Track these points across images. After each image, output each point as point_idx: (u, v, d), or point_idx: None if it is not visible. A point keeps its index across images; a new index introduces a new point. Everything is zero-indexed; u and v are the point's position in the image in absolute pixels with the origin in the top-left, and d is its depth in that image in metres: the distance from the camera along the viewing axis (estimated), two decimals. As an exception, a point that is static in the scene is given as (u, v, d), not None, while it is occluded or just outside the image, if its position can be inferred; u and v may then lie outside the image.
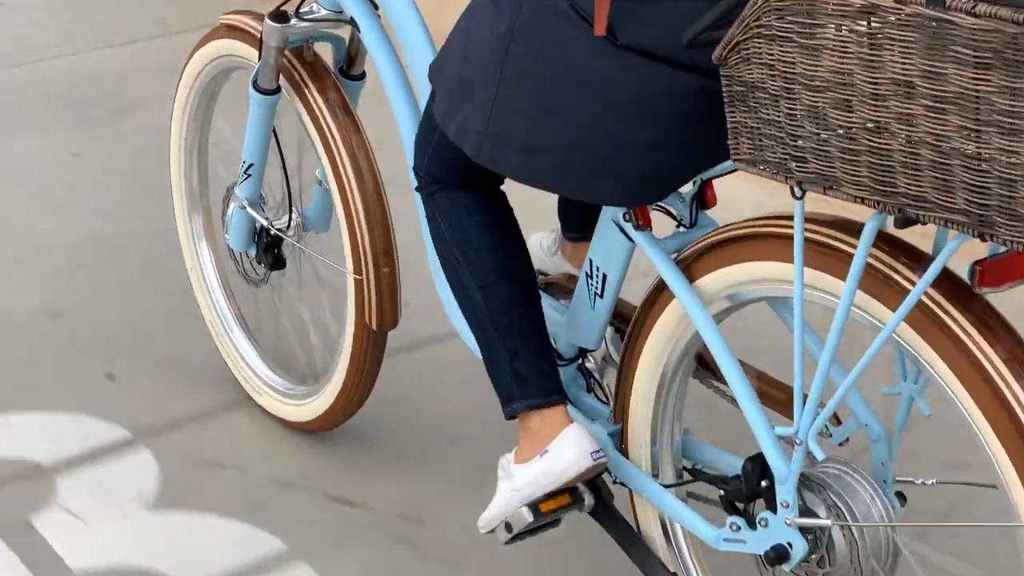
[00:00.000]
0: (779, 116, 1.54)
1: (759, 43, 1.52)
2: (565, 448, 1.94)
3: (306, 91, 2.45)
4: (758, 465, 1.79)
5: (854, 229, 1.64)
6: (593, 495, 2.01)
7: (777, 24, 1.49)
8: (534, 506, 1.97)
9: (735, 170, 1.82)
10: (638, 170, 1.77)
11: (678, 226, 1.98)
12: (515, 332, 1.99)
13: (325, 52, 2.54)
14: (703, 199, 1.95)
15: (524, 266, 2.05)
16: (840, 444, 1.84)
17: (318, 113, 2.43)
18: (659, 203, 1.97)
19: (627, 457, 2.02)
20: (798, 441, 1.70)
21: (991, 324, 1.55)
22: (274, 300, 2.82)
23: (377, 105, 2.46)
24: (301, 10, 2.41)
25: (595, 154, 1.77)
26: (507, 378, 2.00)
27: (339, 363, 2.54)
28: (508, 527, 2.01)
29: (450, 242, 2.04)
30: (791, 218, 1.67)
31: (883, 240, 1.61)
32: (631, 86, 1.71)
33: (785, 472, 1.73)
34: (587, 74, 1.73)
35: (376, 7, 2.34)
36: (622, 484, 2.04)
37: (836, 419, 1.83)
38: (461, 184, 2.02)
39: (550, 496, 1.97)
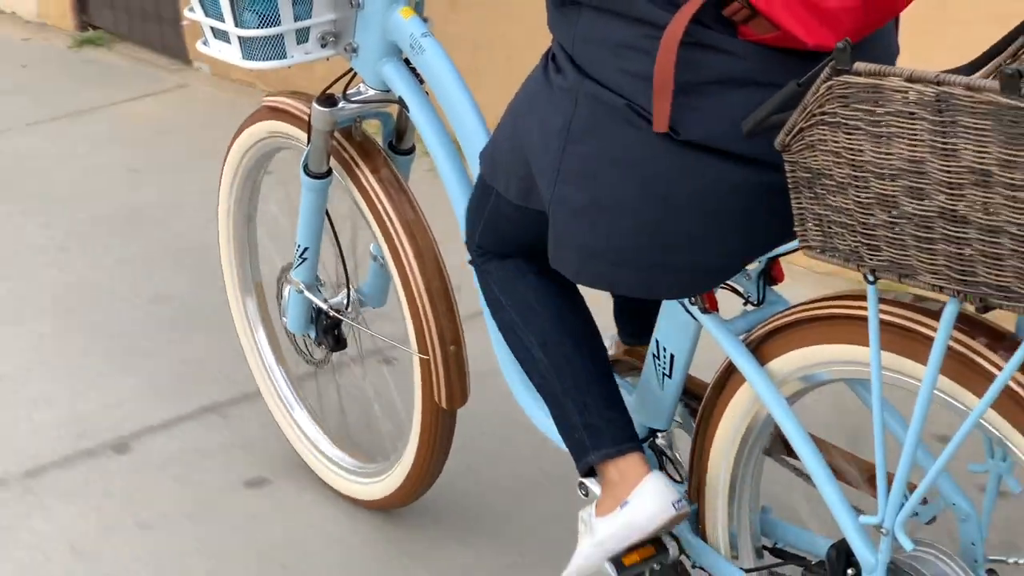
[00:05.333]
0: (848, 203, 1.49)
1: (823, 130, 1.48)
2: (646, 499, 1.89)
3: (358, 171, 2.42)
4: (843, 552, 1.74)
5: (932, 311, 1.58)
6: (676, 545, 1.97)
7: (842, 111, 1.44)
8: (617, 560, 1.92)
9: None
10: (698, 264, 1.73)
11: (745, 304, 1.92)
12: (581, 384, 1.95)
13: (374, 128, 2.52)
14: (770, 276, 1.89)
15: (584, 318, 2.02)
16: (927, 523, 1.78)
17: (371, 193, 2.40)
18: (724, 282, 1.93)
19: (704, 539, 1.97)
20: (884, 531, 1.64)
21: (1082, 407, 1.50)
22: (337, 379, 2.79)
23: (431, 177, 2.43)
24: (348, 92, 2.38)
25: (653, 252, 1.72)
26: (578, 432, 1.96)
27: (410, 441, 2.50)
28: None
29: (506, 306, 2.02)
30: (864, 298, 1.63)
31: (964, 321, 1.56)
32: (692, 183, 1.66)
33: (872, 562, 1.67)
34: (646, 173, 1.68)
35: (422, 82, 2.31)
36: (701, 568, 1.99)
37: (923, 498, 1.78)
38: (514, 254, 2.00)
39: (632, 548, 1.92)
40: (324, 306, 2.56)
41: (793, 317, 1.76)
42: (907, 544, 1.63)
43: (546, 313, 1.99)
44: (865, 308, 1.61)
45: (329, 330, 2.60)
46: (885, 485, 1.64)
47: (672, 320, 1.93)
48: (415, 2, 2.33)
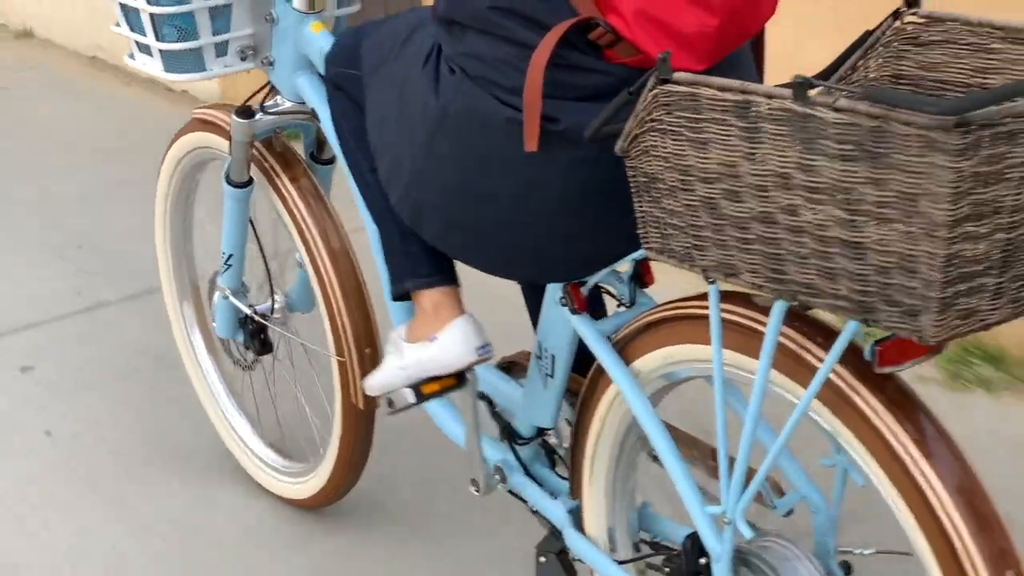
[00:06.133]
0: (679, 206, 1.57)
1: (654, 136, 1.56)
2: (454, 340, 2.03)
3: (278, 181, 2.51)
4: (696, 543, 1.81)
5: (768, 309, 1.66)
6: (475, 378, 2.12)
7: (667, 119, 1.52)
8: (416, 388, 2.09)
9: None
10: (554, 255, 1.81)
11: (619, 305, 2.00)
12: None
13: (296, 140, 2.61)
14: (640, 278, 1.97)
15: None
16: (785, 515, 1.85)
17: (290, 202, 2.49)
18: (600, 284, 2.01)
19: (584, 533, 2.05)
20: (726, 520, 1.71)
21: (900, 402, 1.57)
22: (268, 382, 2.87)
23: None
24: (266, 104, 2.47)
25: (511, 239, 1.81)
26: (399, 257, 2.09)
27: (331, 442, 2.59)
28: (390, 403, 2.13)
29: (345, 129, 2.13)
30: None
31: (796, 318, 1.64)
32: (555, 181, 1.74)
33: (719, 551, 1.75)
34: (511, 172, 1.75)
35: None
36: (580, 561, 2.06)
37: (779, 491, 1.85)
38: (360, 100, 2.10)
39: (433, 379, 2.08)
40: (248, 311, 2.65)
41: (654, 317, 1.83)
42: (747, 533, 1.70)
43: None
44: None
45: (255, 334, 2.69)
46: (727, 477, 1.71)
47: (551, 322, 2.01)
48: (334, 19, 2.42)
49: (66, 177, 2.95)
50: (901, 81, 1.66)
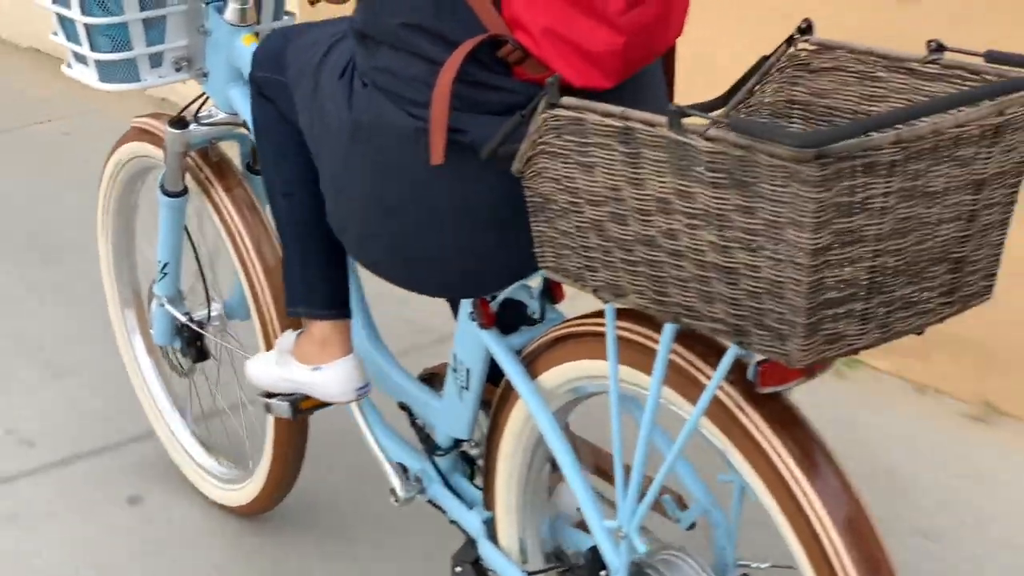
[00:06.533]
0: (570, 227, 1.60)
1: (546, 159, 1.59)
2: (336, 378, 2.15)
3: (212, 191, 2.54)
4: (596, 555, 1.84)
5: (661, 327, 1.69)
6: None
7: (557, 142, 1.56)
8: (295, 403, 2.27)
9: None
10: (459, 269, 1.84)
11: (530, 321, 2.03)
12: (311, 243, 2.11)
13: (233, 149, 2.63)
14: (551, 293, 2.00)
15: None
16: (688, 529, 1.88)
17: (224, 212, 2.52)
18: (512, 297, 2.04)
19: (498, 544, 2.08)
20: (622, 534, 1.75)
21: (784, 421, 1.60)
22: (208, 389, 2.90)
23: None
24: (200, 115, 2.50)
25: (417, 251, 1.83)
26: (296, 283, 2.17)
27: (265, 447, 2.62)
28: (268, 408, 2.30)
29: (266, 143, 2.18)
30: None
31: (688, 337, 1.67)
32: (462, 193, 1.77)
33: (616, 564, 1.78)
34: (420, 180, 1.78)
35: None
36: (492, 570, 2.09)
37: (683, 505, 1.88)
38: (286, 110, 2.13)
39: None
40: (184, 319, 2.68)
41: (559, 333, 1.87)
42: (639, 547, 1.74)
43: (296, 166, 2.12)
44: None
45: (192, 342, 2.72)
46: (623, 493, 1.74)
47: (465, 335, 2.04)
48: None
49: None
50: (794, 106, 1.69)
